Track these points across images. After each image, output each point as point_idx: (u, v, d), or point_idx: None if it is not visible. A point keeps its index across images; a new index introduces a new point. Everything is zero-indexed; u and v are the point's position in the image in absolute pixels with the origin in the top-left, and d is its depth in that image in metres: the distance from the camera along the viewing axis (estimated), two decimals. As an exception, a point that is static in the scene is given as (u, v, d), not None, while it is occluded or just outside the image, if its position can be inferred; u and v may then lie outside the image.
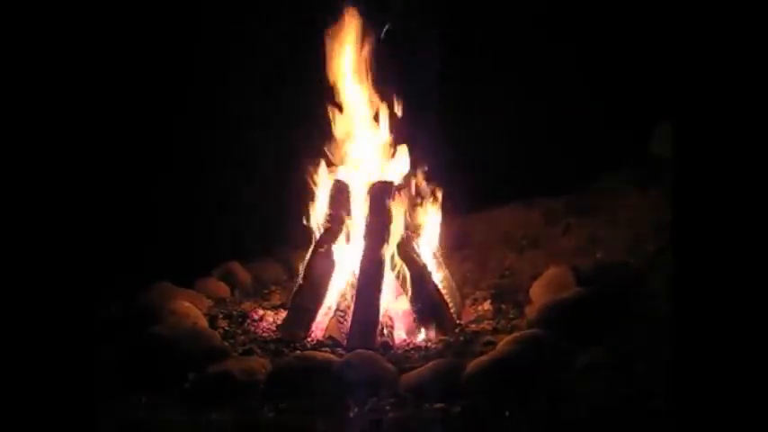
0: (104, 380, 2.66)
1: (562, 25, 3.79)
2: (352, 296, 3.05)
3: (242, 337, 3.05)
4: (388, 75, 3.29)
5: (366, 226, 3.12)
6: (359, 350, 2.76)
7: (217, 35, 3.69)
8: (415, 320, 3.05)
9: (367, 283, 3.01)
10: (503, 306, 3.18)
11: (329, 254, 3.17)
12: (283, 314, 3.21)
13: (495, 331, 2.98)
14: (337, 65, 3.27)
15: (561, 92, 3.76)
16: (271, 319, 3.21)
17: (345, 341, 2.95)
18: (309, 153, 3.33)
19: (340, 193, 3.22)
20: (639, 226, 3.24)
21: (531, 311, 3.02)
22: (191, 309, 3.12)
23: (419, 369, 2.63)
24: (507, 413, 2.34)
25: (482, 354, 2.70)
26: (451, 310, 3.11)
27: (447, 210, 3.35)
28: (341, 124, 3.31)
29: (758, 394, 2.08)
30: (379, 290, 3.01)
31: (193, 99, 3.68)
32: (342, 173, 3.29)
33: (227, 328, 3.13)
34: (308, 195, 3.30)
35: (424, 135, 3.38)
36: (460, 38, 3.71)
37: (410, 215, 3.24)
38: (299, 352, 2.86)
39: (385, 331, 2.99)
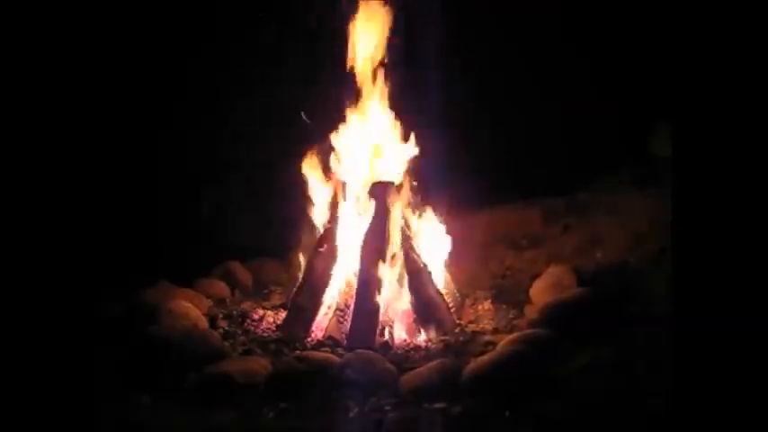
0: (104, 380, 2.65)
1: (562, 25, 3.79)
2: (352, 296, 3.05)
3: (242, 337, 3.05)
4: (389, 72, 3.30)
5: (366, 225, 3.12)
6: (359, 350, 2.76)
7: (221, 35, 3.70)
8: (415, 320, 3.05)
9: (367, 284, 3.01)
10: (503, 306, 3.18)
11: (329, 254, 3.17)
12: (283, 314, 3.21)
13: (495, 331, 2.98)
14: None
15: (561, 92, 3.76)
16: (271, 319, 3.21)
17: (345, 341, 2.95)
18: (309, 152, 3.33)
19: (340, 193, 3.23)
20: (639, 226, 3.24)
21: (531, 311, 3.02)
22: (190, 309, 3.12)
23: (419, 369, 2.63)
24: (507, 413, 2.34)
25: (482, 354, 2.70)
26: (451, 310, 3.11)
27: (447, 209, 3.35)
28: (341, 124, 3.31)
29: (758, 394, 2.07)
30: (378, 290, 3.01)
31: (193, 99, 3.68)
32: (342, 172, 3.29)
33: (227, 328, 3.13)
34: (308, 195, 3.30)
35: (425, 134, 3.38)
36: (462, 37, 3.71)
37: (410, 215, 3.25)
38: (298, 352, 2.86)
39: (385, 331, 2.99)
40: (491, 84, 3.77)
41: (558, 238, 3.57)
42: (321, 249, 3.18)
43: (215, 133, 3.74)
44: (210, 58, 3.70)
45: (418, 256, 3.15)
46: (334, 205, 3.23)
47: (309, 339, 3.02)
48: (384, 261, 3.05)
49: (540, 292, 3.10)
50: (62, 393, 2.46)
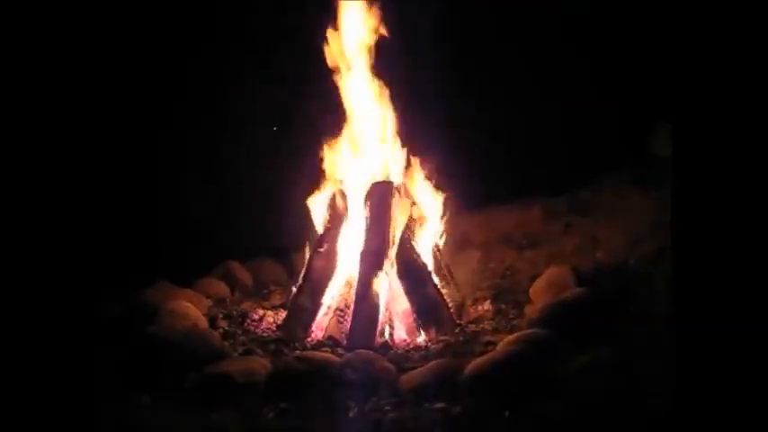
0: (104, 380, 2.65)
1: (563, 25, 3.78)
2: (352, 296, 3.05)
3: (242, 337, 3.05)
4: (389, 73, 3.30)
5: (366, 226, 3.12)
6: (359, 350, 2.76)
7: (221, 35, 3.71)
8: (415, 320, 3.05)
9: (367, 284, 3.01)
10: (503, 306, 3.18)
11: (329, 254, 3.17)
12: (283, 314, 3.21)
13: (495, 331, 2.98)
14: (340, 60, 3.28)
15: (561, 91, 3.75)
16: (271, 319, 3.21)
17: (345, 341, 2.95)
18: (310, 152, 3.34)
19: (340, 193, 3.23)
20: (639, 226, 3.24)
21: (531, 311, 3.02)
22: (190, 309, 3.12)
23: (419, 369, 2.63)
24: (507, 413, 2.34)
25: (482, 354, 2.70)
26: (451, 310, 3.11)
27: (447, 209, 3.35)
28: (343, 123, 3.32)
29: (758, 394, 2.08)
30: (378, 290, 3.01)
31: (193, 99, 3.68)
32: (342, 172, 3.29)
33: (227, 328, 3.13)
34: (308, 195, 3.30)
35: (425, 135, 3.38)
36: (461, 36, 3.72)
37: (410, 215, 3.24)
38: (298, 352, 2.86)
39: (385, 331, 2.99)
40: (491, 83, 3.77)
41: (558, 238, 3.57)
42: (321, 249, 3.18)
43: (215, 133, 3.74)
44: (210, 58, 3.69)
45: (418, 255, 3.15)
46: (333, 205, 3.23)
47: (309, 339, 3.02)
48: (384, 261, 3.05)
49: (540, 292, 3.10)
50: (62, 393, 2.46)
